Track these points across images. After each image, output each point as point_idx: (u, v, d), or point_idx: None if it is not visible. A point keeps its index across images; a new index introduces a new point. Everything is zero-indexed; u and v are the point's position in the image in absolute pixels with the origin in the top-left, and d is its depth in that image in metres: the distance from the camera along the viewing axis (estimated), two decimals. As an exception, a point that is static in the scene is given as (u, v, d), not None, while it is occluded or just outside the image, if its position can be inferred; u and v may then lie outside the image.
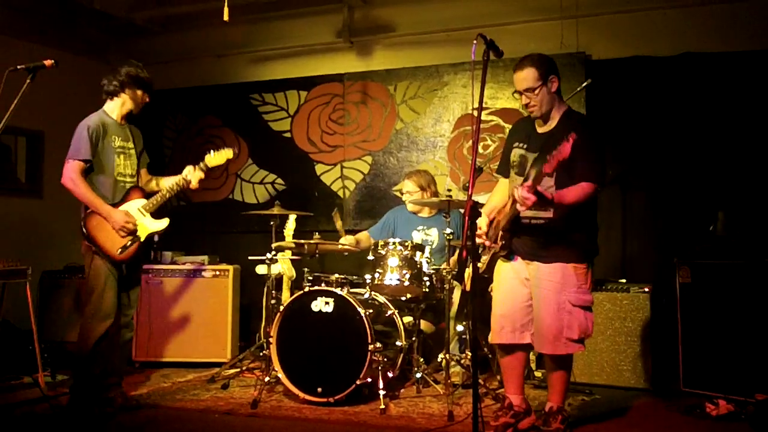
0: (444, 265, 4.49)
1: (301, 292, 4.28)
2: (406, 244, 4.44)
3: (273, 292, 4.85)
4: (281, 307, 4.31)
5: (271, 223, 4.90)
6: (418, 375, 4.42)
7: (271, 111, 6.47)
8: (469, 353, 4.46)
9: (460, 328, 4.67)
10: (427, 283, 4.41)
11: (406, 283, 4.35)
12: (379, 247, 4.46)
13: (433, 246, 4.99)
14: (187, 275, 5.43)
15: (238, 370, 4.95)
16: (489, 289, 3.84)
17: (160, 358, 5.30)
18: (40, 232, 5.85)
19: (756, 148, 4.89)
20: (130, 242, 3.96)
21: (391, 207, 5.49)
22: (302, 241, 4.68)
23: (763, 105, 4.88)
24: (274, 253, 4.80)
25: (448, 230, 4.37)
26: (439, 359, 4.39)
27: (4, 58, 4.74)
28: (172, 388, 4.62)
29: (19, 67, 3.31)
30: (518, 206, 3.19)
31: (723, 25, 5.13)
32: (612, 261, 5.18)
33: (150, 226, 4.07)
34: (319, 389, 4.07)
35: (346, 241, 4.99)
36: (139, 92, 4.08)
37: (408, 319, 4.61)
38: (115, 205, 3.97)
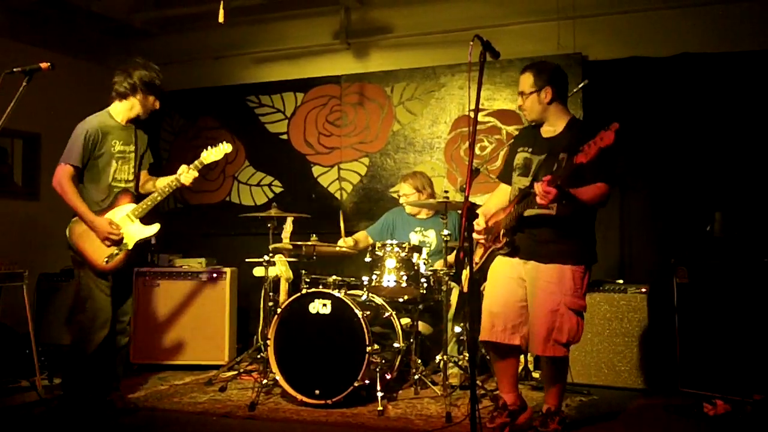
0: (440, 264, 4.49)
1: (299, 294, 4.27)
2: (404, 245, 4.44)
3: (270, 294, 4.85)
4: (279, 309, 4.31)
5: (269, 225, 4.89)
6: (416, 376, 4.41)
7: (268, 113, 6.47)
8: (467, 354, 4.46)
9: (458, 329, 4.66)
10: (425, 285, 4.41)
11: (404, 285, 4.35)
12: (377, 249, 4.46)
13: (431, 248, 4.99)
14: (185, 278, 5.42)
15: (236, 372, 4.94)
16: (482, 288, 3.83)
17: (158, 361, 5.30)
18: (37, 235, 5.84)
19: (753, 149, 4.89)
20: (116, 251, 3.84)
21: (388, 208, 5.49)
22: (300, 243, 4.68)
23: (761, 105, 4.89)
24: (271, 255, 4.80)
25: (446, 231, 4.37)
26: (437, 361, 4.39)
27: (1, 60, 4.74)
28: (170, 391, 4.61)
29: (15, 69, 3.30)
30: (538, 199, 3.17)
31: (720, 26, 5.14)
32: (609, 262, 5.18)
33: (139, 232, 3.94)
34: (317, 391, 4.06)
35: (344, 243, 4.99)
36: (150, 98, 3.97)
37: (406, 320, 4.60)
38: (104, 210, 3.87)
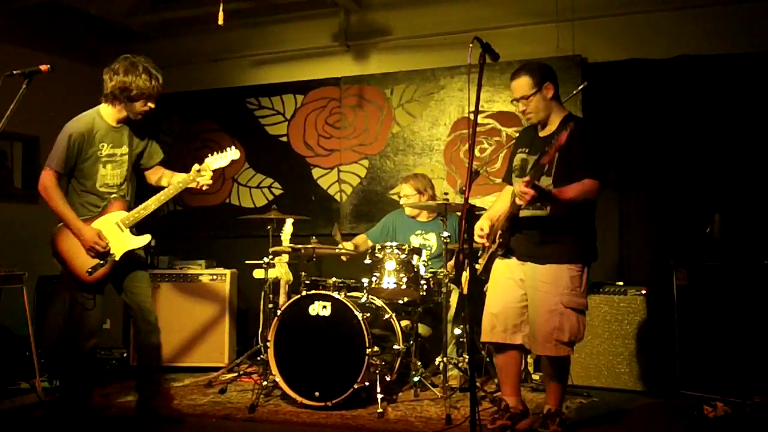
0: (441, 269, 4.49)
1: (299, 296, 4.27)
2: (404, 247, 4.44)
3: (270, 296, 4.85)
4: (279, 311, 4.31)
5: (268, 227, 4.89)
6: (416, 378, 4.41)
7: (268, 115, 6.47)
8: (467, 356, 4.46)
9: (457, 331, 4.66)
10: (425, 287, 4.41)
11: (404, 287, 4.35)
12: (376, 251, 4.46)
13: (432, 251, 4.99)
14: (185, 280, 5.43)
15: (236, 374, 4.94)
16: (484, 289, 3.84)
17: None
18: (37, 238, 5.78)
19: (752, 151, 4.89)
20: (101, 263, 3.62)
21: (388, 211, 5.49)
22: (299, 246, 4.67)
23: (760, 107, 4.89)
24: (271, 257, 4.80)
25: (446, 233, 4.37)
26: (436, 363, 4.39)
27: (0, 63, 4.74)
28: (170, 393, 4.61)
29: (15, 72, 3.29)
30: (517, 200, 3.19)
31: (719, 28, 5.14)
32: (609, 263, 5.18)
33: (128, 242, 3.70)
34: (317, 393, 4.06)
35: (344, 247, 4.98)
36: (135, 104, 3.66)
37: (405, 322, 4.60)
38: (93, 218, 3.66)
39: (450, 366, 4.36)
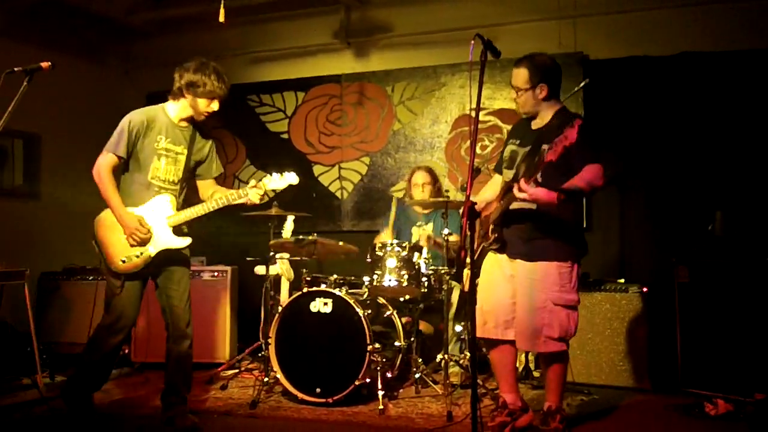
0: (442, 267, 4.49)
1: (300, 292, 4.28)
2: (404, 245, 4.44)
3: (271, 293, 4.85)
4: (280, 308, 4.31)
5: (269, 224, 4.89)
6: (417, 375, 4.42)
7: (269, 112, 6.47)
8: (468, 354, 4.46)
9: (458, 328, 4.67)
10: (426, 284, 4.41)
11: (405, 284, 4.35)
12: (377, 249, 4.46)
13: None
14: (186, 276, 5.42)
15: (237, 370, 4.95)
16: (476, 283, 3.83)
17: (159, 359, 5.27)
18: (38, 234, 5.84)
19: (754, 148, 4.89)
20: (137, 254, 3.57)
21: (389, 207, 5.47)
22: (302, 237, 4.63)
23: (761, 104, 4.89)
24: (272, 254, 4.80)
25: (446, 230, 4.36)
26: (437, 360, 4.39)
27: (1, 60, 4.73)
28: (171, 390, 4.61)
29: (16, 69, 3.28)
30: (516, 192, 3.18)
31: (720, 25, 5.14)
32: (610, 261, 5.18)
33: (168, 241, 3.64)
34: (318, 390, 4.07)
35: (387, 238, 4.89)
36: (201, 102, 3.65)
37: (407, 319, 4.61)
38: (140, 207, 3.61)
39: (451, 363, 4.37)
